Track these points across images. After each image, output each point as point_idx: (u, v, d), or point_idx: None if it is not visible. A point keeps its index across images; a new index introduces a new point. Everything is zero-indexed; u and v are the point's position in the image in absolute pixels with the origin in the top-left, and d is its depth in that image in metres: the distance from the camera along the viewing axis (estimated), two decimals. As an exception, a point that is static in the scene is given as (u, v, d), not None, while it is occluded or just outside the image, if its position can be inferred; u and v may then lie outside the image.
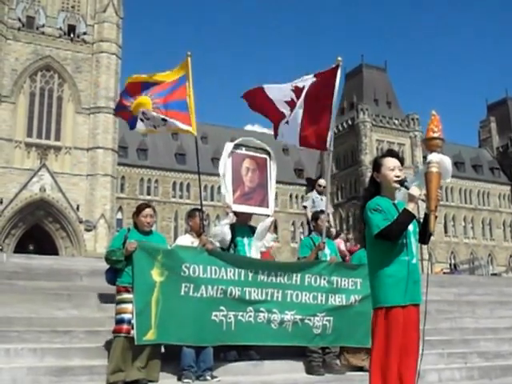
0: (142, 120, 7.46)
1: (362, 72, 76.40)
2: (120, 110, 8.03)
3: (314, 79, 7.10)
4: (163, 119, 7.26)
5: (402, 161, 4.25)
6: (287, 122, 7.25)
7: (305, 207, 11.29)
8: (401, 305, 3.93)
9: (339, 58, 7.14)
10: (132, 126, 7.72)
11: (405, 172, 4.23)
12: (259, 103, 7.43)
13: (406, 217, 3.95)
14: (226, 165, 7.06)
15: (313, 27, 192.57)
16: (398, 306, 3.93)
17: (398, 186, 4.12)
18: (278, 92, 7.28)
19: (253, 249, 7.03)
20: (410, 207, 3.95)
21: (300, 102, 7.11)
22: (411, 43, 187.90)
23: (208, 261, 6.34)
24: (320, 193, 11.18)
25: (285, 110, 7.24)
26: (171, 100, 7.34)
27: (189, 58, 7.45)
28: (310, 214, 10.09)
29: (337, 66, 7.10)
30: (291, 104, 7.19)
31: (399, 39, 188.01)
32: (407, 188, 4.02)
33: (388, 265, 3.98)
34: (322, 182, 11.40)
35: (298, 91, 7.14)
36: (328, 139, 7.21)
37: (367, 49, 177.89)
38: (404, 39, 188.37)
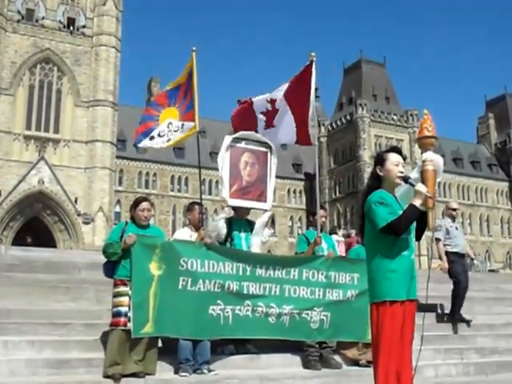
0: (157, 135, 7.55)
1: (360, 67, 76.31)
2: (144, 122, 7.88)
3: (289, 84, 7.35)
4: (182, 125, 7.45)
5: (404, 158, 4.30)
6: (273, 126, 7.51)
7: (438, 240, 9.24)
8: (401, 300, 3.97)
9: (312, 54, 7.28)
10: (138, 142, 7.77)
11: (404, 168, 4.26)
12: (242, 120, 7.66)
13: (413, 212, 3.98)
14: (223, 159, 7.07)
15: (312, 22, 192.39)
16: (398, 301, 3.96)
17: (401, 182, 4.15)
18: (259, 104, 7.57)
19: (252, 245, 7.05)
20: (417, 203, 3.97)
21: (283, 104, 7.36)
22: (410, 39, 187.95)
23: (206, 255, 6.36)
24: (453, 218, 9.52)
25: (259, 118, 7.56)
26: (186, 105, 7.49)
27: (194, 54, 7.50)
28: (443, 250, 9.05)
29: (311, 62, 7.21)
30: (268, 113, 7.48)
31: (398, 35, 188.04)
32: (412, 185, 4.06)
33: (391, 259, 4.00)
34: (454, 204, 9.74)
35: (273, 102, 7.43)
36: (310, 134, 7.36)
37: (366, 44, 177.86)
38: (403, 35, 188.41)
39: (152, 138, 7.56)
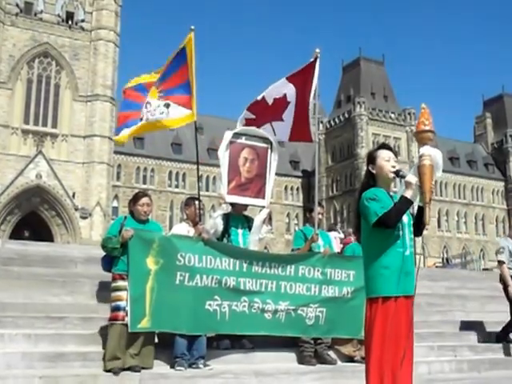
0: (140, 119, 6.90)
1: (359, 65, 76.28)
2: (127, 110, 7.25)
3: (289, 83, 7.26)
4: (166, 104, 6.79)
5: (395, 154, 4.31)
6: (281, 120, 7.40)
7: (501, 263, 8.53)
8: (394, 296, 3.99)
9: (317, 50, 7.24)
10: (117, 132, 7.19)
11: (400, 166, 4.28)
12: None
13: (404, 203, 4.01)
14: (223, 154, 7.08)
15: (311, 19, 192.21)
16: (391, 297, 3.99)
17: (393, 176, 4.17)
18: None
19: (250, 243, 7.07)
20: (408, 194, 4.01)
21: (292, 101, 7.29)
22: (409, 37, 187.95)
23: (203, 250, 6.38)
24: None
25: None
26: (174, 85, 6.87)
27: (192, 33, 6.83)
28: (507, 274, 8.39)
29: (315, 59, 7.21)
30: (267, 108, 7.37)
31: (397, 33, 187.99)
32: (403, 177, 4.08)
33: (383, 256, 4.03)
34: None
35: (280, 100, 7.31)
36: (311, 131, 7.35)
37: (365, 42, 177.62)
38: (402, 33, 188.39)
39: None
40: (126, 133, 7.17)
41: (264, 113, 7.36)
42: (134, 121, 7.09)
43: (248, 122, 7.41)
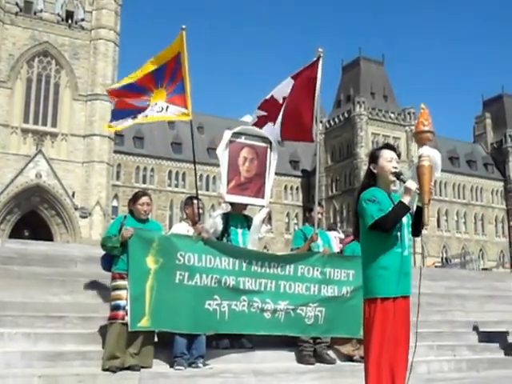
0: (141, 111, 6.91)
1: (359, 65, 76.22)
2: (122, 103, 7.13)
3: (293, 81, 7.28)
4: (167, 107, 6.88)
5: (398, 155, 4.29)
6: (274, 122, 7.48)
7: None
8: (392, 296, 3.99)
9: (320, 50, 7.26)
10: (114, 118, 7.12)
11: (400, 166, 4.26)
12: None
13: (401, 209, 3.99)
14: (223, 154, 7.08)
15: (311, 19, 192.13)
16: (389, 298, 3.98)
17: (394, 178, 4.15)
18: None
19: (249, 242, 7.08)
20: (406, 200, 3.98)
21: (286, 101, 7.34)
22: (409, 37, 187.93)
23: (203, 250, 6.39)
24: None
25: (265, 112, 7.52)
26: (174, 88, 6.97)
27: (183, 33, 6.82)
28: None
29: (318, 58, 7.23)
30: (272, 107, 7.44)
31: (397, 33, 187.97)
32: (403, 181, 4.05)
33: (382, 256, 4.02)
34: None
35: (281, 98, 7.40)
36: (313, 131, 7.35)
37: (365, 42, 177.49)
38: (402, 33, 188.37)
39: (135, 117, 6.96)
40: (121, 124, 7.10)
41: (275, 111, 7.41)
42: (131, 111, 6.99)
43: (260, 120, 7.45)
